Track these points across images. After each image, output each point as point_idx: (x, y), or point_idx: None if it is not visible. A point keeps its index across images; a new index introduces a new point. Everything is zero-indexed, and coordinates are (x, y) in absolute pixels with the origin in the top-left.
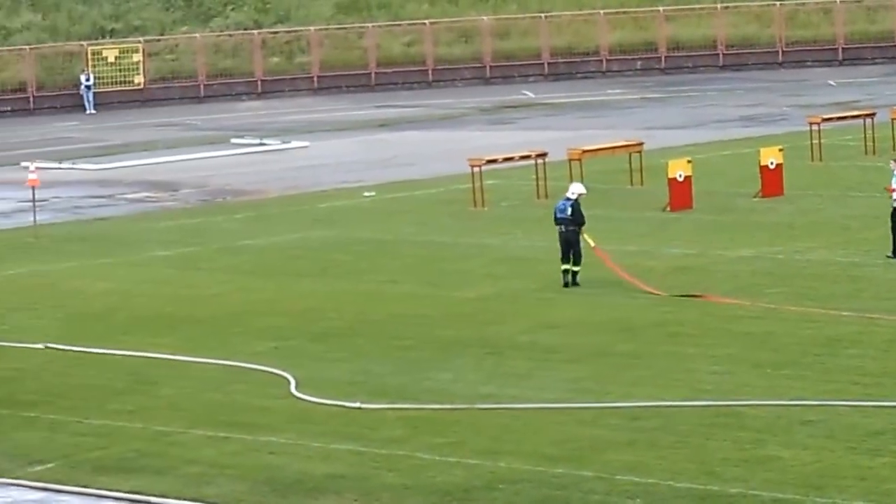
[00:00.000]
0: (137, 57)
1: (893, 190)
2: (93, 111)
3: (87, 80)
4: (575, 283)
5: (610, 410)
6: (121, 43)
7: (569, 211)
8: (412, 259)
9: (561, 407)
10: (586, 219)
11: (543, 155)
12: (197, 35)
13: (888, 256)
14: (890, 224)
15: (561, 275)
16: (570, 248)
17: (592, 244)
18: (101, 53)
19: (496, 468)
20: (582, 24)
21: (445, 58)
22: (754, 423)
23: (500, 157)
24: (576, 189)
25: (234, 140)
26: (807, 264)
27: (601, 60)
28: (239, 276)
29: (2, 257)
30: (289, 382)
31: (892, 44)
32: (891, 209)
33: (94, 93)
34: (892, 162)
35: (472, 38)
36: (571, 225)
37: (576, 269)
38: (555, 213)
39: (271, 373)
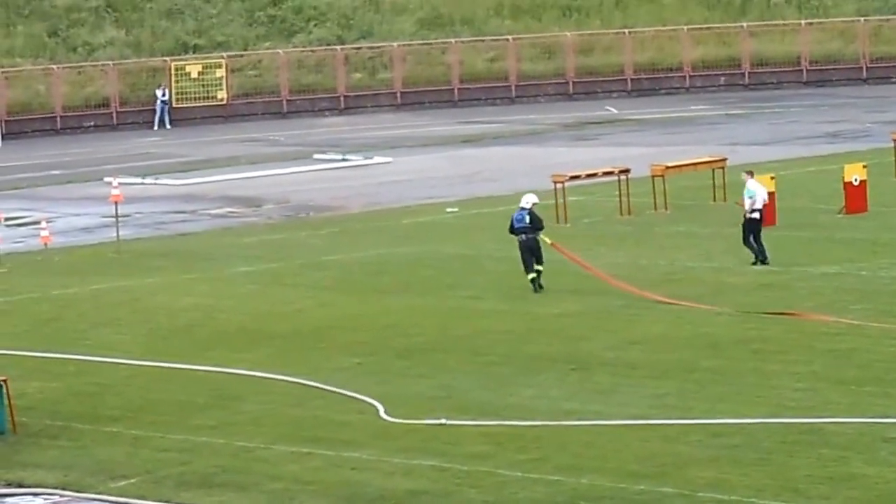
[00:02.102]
0: (220, 72)
1: (743, 204)
2: (168, 127)
3: (164, 95)
4: (540, 287)
5: (693, 427)
6: (204, 58)
7: (527, 220)
8: (495, 275)
9: (644, 423)
10: (544, 223)
11: (626, 171)
12: (280, 51)
13: (752, 264)
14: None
15: (530, 284)
16: (533, 255)
17: (550, 242)
18: (185, 69)
19: (578, 485)
20: (665, 40)
21: (528, 73)
22: (838, 440)
23: (583, 173)
24: (529, 199)
25: (316, 156)
26: (891, 281)
27: (684, 76)
28: (322, 292)
29: (85, 272)
30: (377, 410)
31: None
32: (743, 220)
33: (177, 108)
34: (743, 174)
35: (555, 53)
36: (531, 232)
37: (539, 268)
38: (511, 224)
39: (361, 400)
